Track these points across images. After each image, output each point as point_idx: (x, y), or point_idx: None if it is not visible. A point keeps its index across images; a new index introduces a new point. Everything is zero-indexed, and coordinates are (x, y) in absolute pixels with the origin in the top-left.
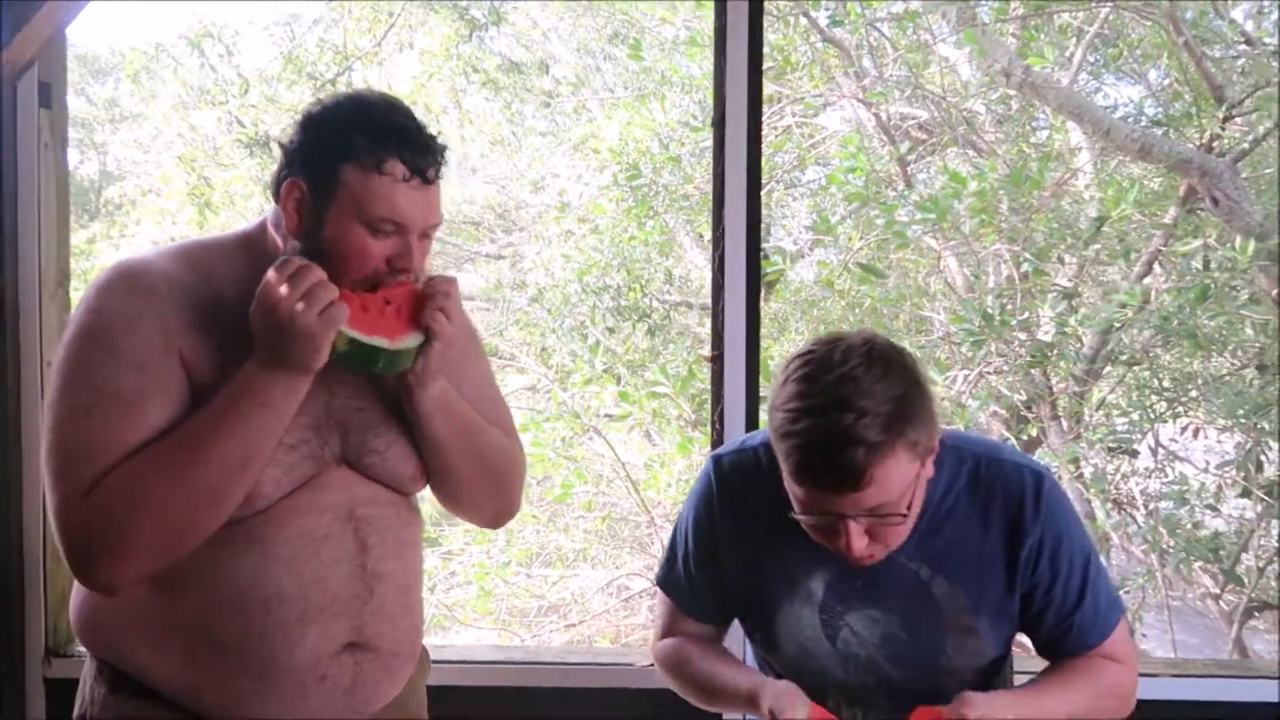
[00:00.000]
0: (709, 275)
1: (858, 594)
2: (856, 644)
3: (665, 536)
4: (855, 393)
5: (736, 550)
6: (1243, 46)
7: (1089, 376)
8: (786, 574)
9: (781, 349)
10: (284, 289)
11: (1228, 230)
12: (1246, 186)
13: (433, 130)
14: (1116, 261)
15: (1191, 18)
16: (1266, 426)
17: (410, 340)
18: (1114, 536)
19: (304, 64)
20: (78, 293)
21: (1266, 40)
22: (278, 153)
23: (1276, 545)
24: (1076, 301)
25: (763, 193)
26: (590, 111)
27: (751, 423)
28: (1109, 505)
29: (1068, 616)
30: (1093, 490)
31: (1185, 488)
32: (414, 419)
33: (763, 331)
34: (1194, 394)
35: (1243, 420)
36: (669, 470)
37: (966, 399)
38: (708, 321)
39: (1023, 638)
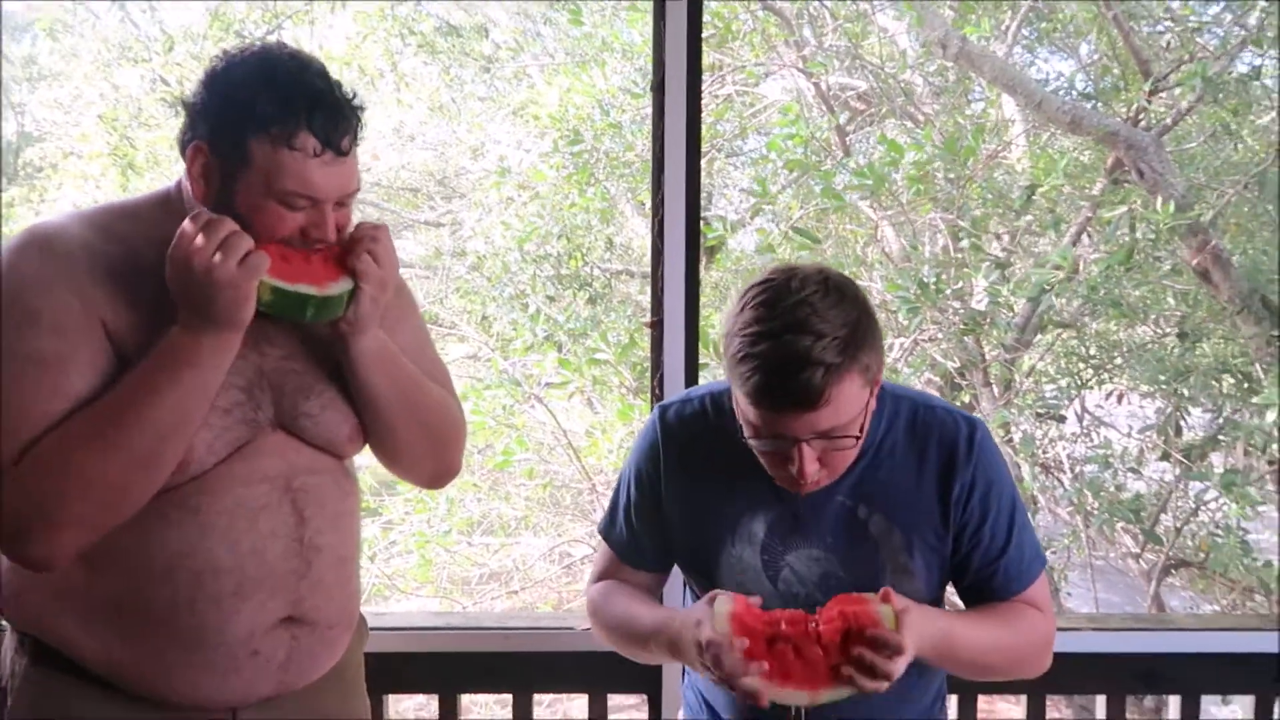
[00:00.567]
0: (649, 243)
1: (798, 533)
2: (796, 583)
3: (605, 503)
4: (812, 317)
5: (680, 498)
6: (1168, 22)
7: (1020, 344)
8: (729, 518)
9: (721, 316)
10: (198, 241)
11: (1151, 201)
12: (1170, 159)
13: (350, 91)
14: (1047, 232)
15: None
16: (1185, 392)
17: (338, 286)
18: (1041, 499)
19: (231, 21)
20: None
21: (1191, 18)
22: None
23: (1193, 506)
24: (1008, 271)
25: (703, 161)
26: (530, 77)
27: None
28: (1037, 469)
29: (994, 560)
30: (1022, 455)
31: (1109, 452)
32: (350, 372)
33: (703, 299)
34: (1119, 361)
35: (1164, 386)
36: (610, 437)
37: (901, 366)
38: (649, 290)
39: (951, 595)
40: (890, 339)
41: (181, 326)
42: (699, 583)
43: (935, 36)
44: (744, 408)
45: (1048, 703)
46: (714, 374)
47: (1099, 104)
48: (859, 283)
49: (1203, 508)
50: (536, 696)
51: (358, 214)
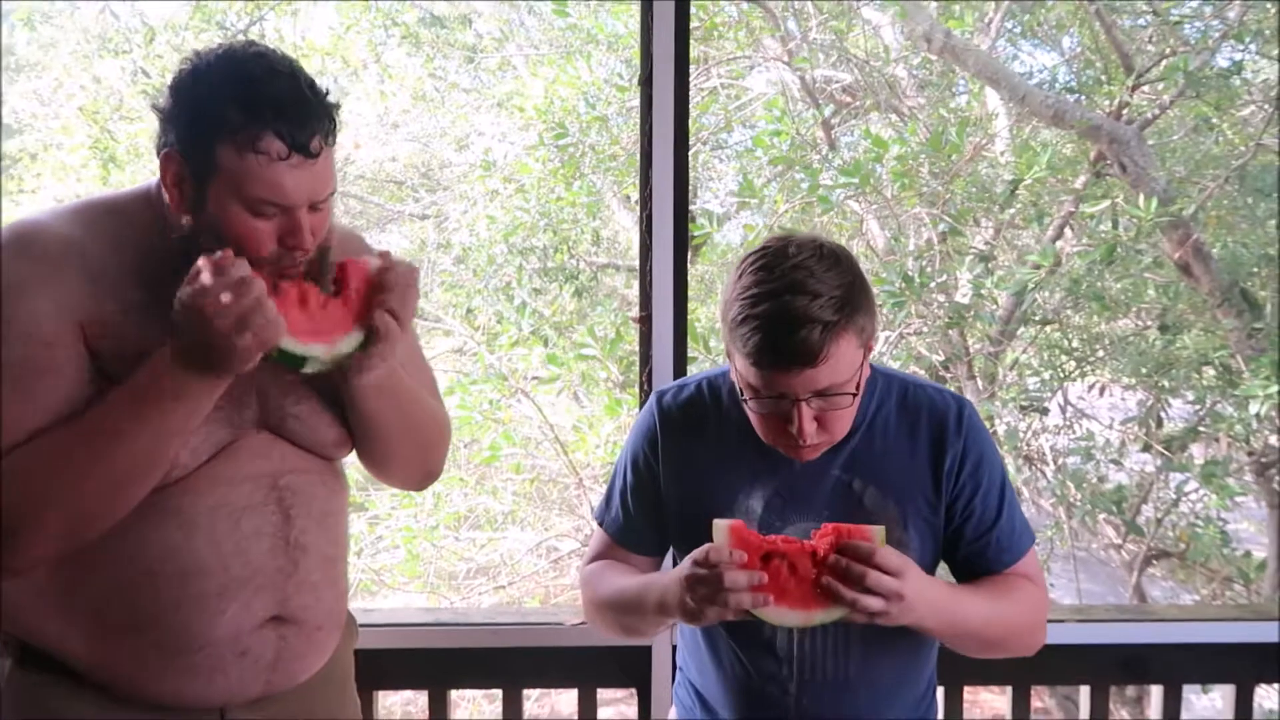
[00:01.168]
0: (636, 237)
1: (794, 508)
2: None
3: (594, 498)
4: (809, 279)
5: (677, 478)
6: (1149, 16)
7: (1003, 337)
8: (726, 494)
9: (708, 311)
10: (223, 299)
11: (1133, 195)
12: (1152, 153)
13: (323, 87)
14: (1031, 226)
15: None
16: (1166, 384)
17: (348, 343)
18: (1025, 491)
19: (213, 12)
20: None
21: (1172, 11)
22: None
23: (1173, 497)
24: (992, 264)
25: (689, 154)
26: (515, 68)
27: None
28: (1020, 461)
29: (986, 532)
30: (1006, 447)
31: (1091, 443)
32: (347, 399)
33: (689, 294)
34: (1101, 354)
35: (1145, 378)
36: (597, 432)
37: (887, 359)
38: (635, 283)
39: (943, 570)
40: (876, 332)
41: (175, 361)
42: None
43: (920, 30)
44: (744, 371)
45: (1032, 693)
46: (702, 368)
47: (1081, 98)
48: None
49: (1183, 499)
50: (526, 691)
51: (343, 206)
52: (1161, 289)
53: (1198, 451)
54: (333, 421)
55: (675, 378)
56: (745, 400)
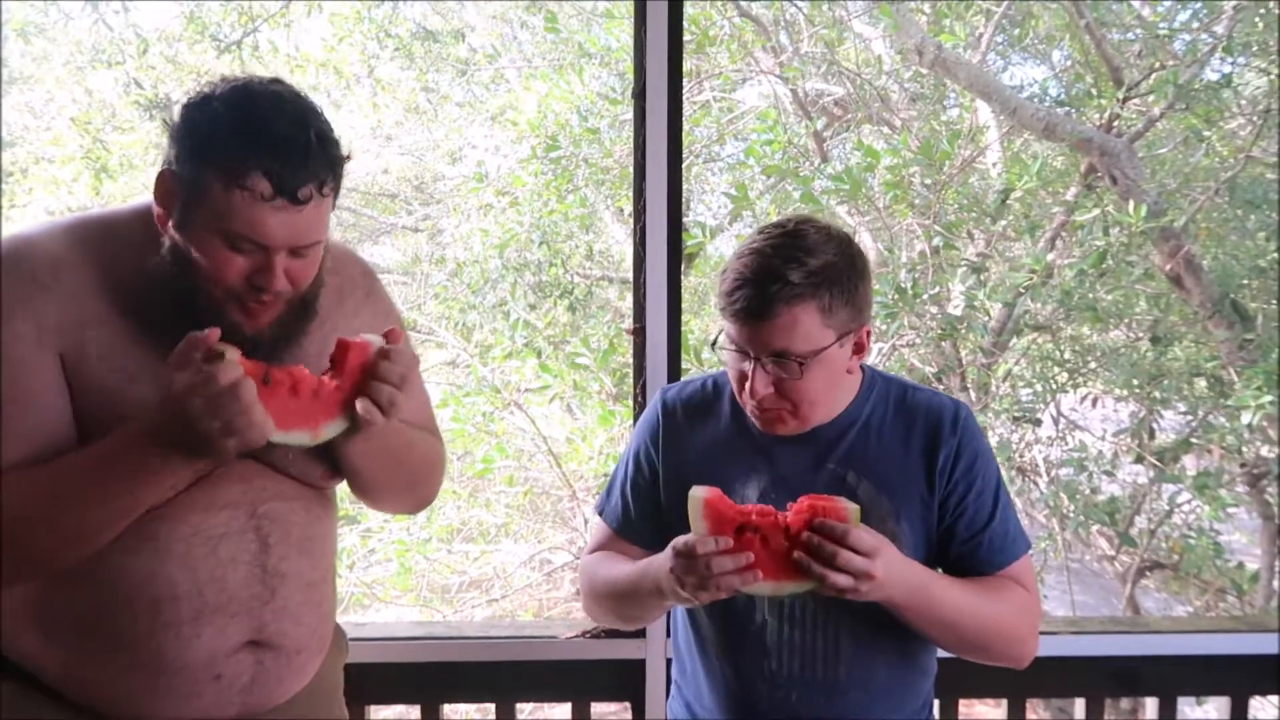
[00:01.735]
0: (628, 249)
1: (789, 500)
2: None
3: (587, 510)
4: (795, 247)
5: (676, 473)
6: (1138, 30)
7: (996, 349)
8: (721, 485)
9: (701, 323)
10: (206, 405)
11: (1124, 206)
12: (1142, 165)
13: (334, 139)
14: (1022, 237)
15: (1092, 0)
16: (1158, 396)
17: (332, 429)
18: (1018, 503)
19: (207, 24)
20: None
21: (1161, 24)
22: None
23: (1166, 508)
24: (984, 276)
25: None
26: (508, 82)
27: None
28: (1013, 473)
29: (979, 531)
30: (999, 459)
31: (1084, 455)
32: (334, 453)
33: (683, 305)
34: (1093, 365)
35: (1137, 390)
36: (590, 444)
37: (886, 370)
38: (628, 296)
39: None
40: None
41: (156, 440)
42: None
43: (912, 43)
44: (723, 321)
45: (1027, 706)
46: None
47: (1072, 111)
48: None
49: (1176, 510)
50: (519, 705)
51: (336, 219)
52: (1153, 300)
53: (1190, 463)
54: (321, 456)
55: None
56: (722, 346)
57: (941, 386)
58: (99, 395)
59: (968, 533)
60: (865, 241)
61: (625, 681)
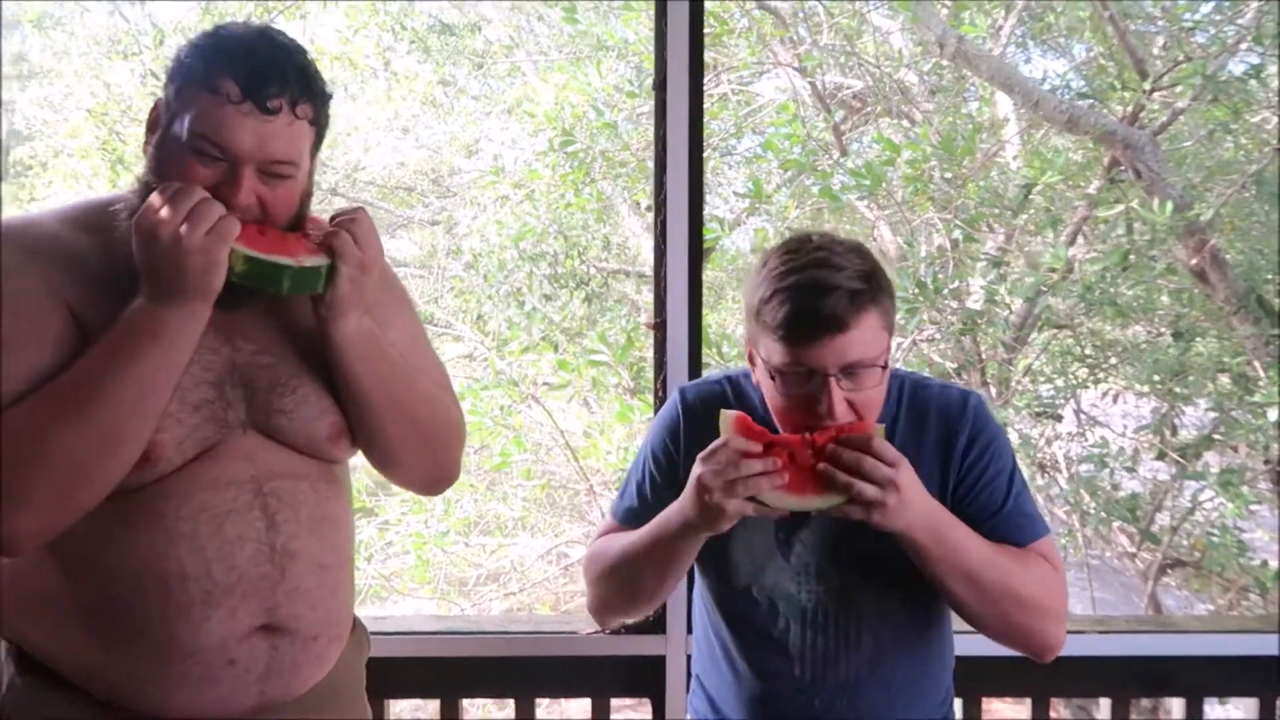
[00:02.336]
0: (645, 243)
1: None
2: (806, 553)
3: (604, 504)
4: (833, 256)
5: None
6: (1162, 21)
7: (1016, 344)
8: None
9: (718, 318)
10: (164, 211)
11: (1148, 200)
12: (1166, 159)
13: (311, 66)
14: (1044, 231)
15: None
16: (1181, 391)
17: (314, 260)
18: (1038, 499)
19: (223, 14)
20: None
21: (1186, 15)
22: None
23: (1189, 505)
24: (1005, 270)
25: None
26: (524, 74)
27: None
28: (1034, 469)
29: (995, 513)
30: (1019, 455)
31: (1105, 451)
32: (332, 362)
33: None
34: (1114, 361)
35: (1158, 385)
36: (608, 438)
37: (899, 366)
38: (645, 289)
39: None
40: None
41: (147, 299)
42: (710, 558)
43: (933, 36)
44: (771, 351)
45: (1050, 705)
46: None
47: (1095, 103)
48: None
49: (1199, 507)
50: (538, 700)
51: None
52: (1176, 295)
53: (1213, 459)
54: (322, 412)
55: None
56: (774, 380)
57: (962, 381)
58: None
59: (984, 514)
60: (884, 235)
61: (645, 677)
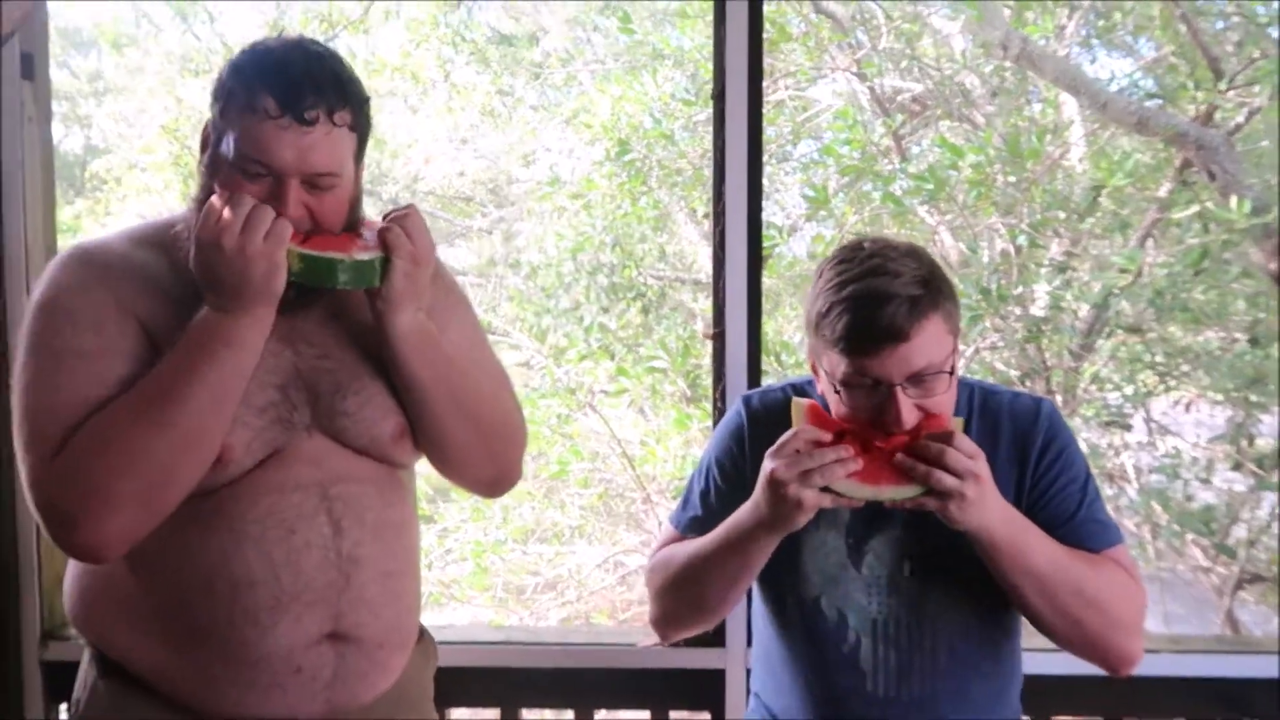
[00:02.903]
0: (702, 250)
1: (882, 512)
2: (878, 565)
3: (661, 513)
4: (890, 263)
5: None
6: (1236, 18)
7: (1083, 351)
8: None
9: (775, 325)
10: (225, 216)
11: (1223, 203)
12: (1242, 160)
13: (348, 74)
14: (1111, 235)
15: None
16: (1257, 399)
17: (368, 255)
18: (1108, 510)
19: (290, 32)
20: None
21: (1260, 10)
22: None
23: (1267, 518)
24: (1070, 275)
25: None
26: (581, 84)
27: None
28: (1103, 479)
29: (1068, 519)
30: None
31: (1177, 461)
32: (389, 359)
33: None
34: (1185, 368)
35: (1234, 394)
36: (665, 446)
37: (963, 375)
38: (701, 298)
39: None
40: None
41: (213, 309)
42: (778, 570)
43: (996, 37)
44: (834, 364)
45: None
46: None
47: (1164, 103)
48: None
49: (1277, 520)
50: (597, 712)
51: None
52: (1252, 300)
53: None
54: (386, 414)
55: None
56: (839, 393)
57: (1027, 390)
58: None
59: (1057, 521)
60: (945, 241)
61: (704, 690)
